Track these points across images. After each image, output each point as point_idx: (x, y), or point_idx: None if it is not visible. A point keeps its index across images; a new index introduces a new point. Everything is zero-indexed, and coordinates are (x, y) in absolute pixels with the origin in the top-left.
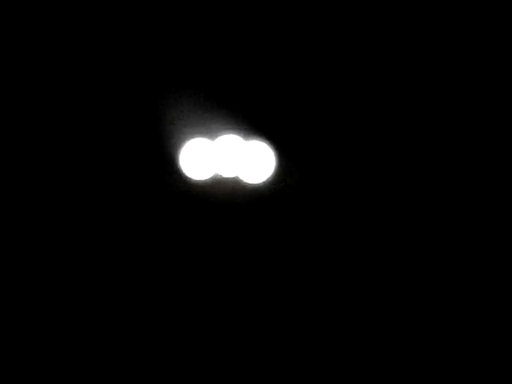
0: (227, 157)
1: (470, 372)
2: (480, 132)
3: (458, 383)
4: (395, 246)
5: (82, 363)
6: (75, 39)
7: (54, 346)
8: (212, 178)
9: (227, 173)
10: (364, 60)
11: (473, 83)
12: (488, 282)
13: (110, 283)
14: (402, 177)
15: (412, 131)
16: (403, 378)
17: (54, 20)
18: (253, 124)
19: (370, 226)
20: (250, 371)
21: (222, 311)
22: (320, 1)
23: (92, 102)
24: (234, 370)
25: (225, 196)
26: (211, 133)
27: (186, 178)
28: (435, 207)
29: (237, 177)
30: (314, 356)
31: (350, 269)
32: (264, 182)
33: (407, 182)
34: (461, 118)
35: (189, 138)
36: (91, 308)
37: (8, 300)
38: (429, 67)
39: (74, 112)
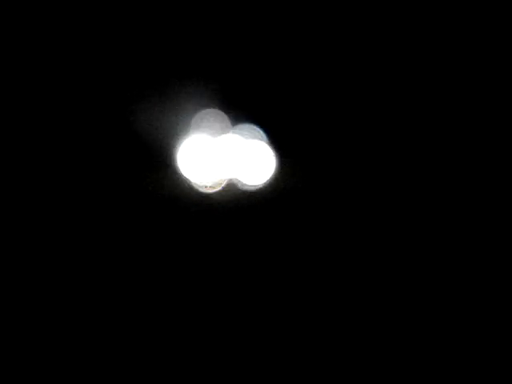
0: (227, 158)
1: (470, 372)
2: (480, 132)
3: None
4: (397, 247)
5: (81, 364)
6: (72, 37)
7: (53, 346)
8: (211, 180)
9: (227, 175)
10: (365, 59)
11: (473, 83)
12: (488, 282)
13: (104, 287)
14: (405, 178)
15: (414, 131)
16: (403, 378)
17: (50, 19)
18: (253, 125)
19: (373, 228)
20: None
21: (221, 313)
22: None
23: (88, 101)
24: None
25: (224, 198)
26: (211, 133)
27: (186, 180)
28: (437, 209)
29: (236, 179)
30: (315, 357)
31: (352, 271)
32: (264, 184)
33: (409, 182)
34: (461, 117)
35: (187, 139)
36: (86, 311)
37: (8, 300)
38: (429, 67)
39: (71, 111)
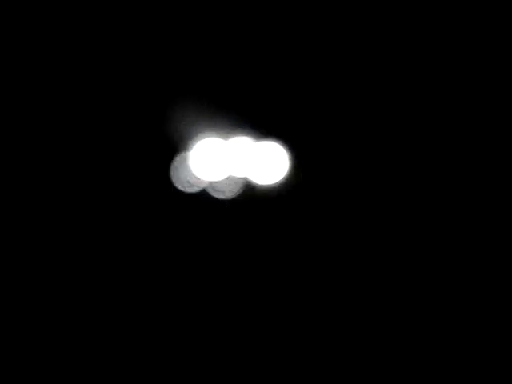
0: (239, 158)
1: (470, 372)
2: (480, 132)
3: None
4: (411, 247)
5: (82, 363)
6: (84, 41)
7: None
8: (224, 179)
9: (239, 174)
10: (377, 59)
11: (473, 83)
12: (488, 282)
13: (117, 284)
14: (419, 177)
15: (427, 129)
16: (403, 378)
17: (65, 23)
18: (266, 125)
19: (384, 227)
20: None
21: (229, 313)
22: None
23: (102, 103)
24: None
25: (237, 197)
26: (223, 133)
27: (198, 179)
28: (450, 209)
29: (249, 178)
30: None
31: (363, 269)
32: (277, 184)
33: (423, 181)
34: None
35: (200, 139)
36: (91, 310)
37: (9, 300)
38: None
39: (85, 114)
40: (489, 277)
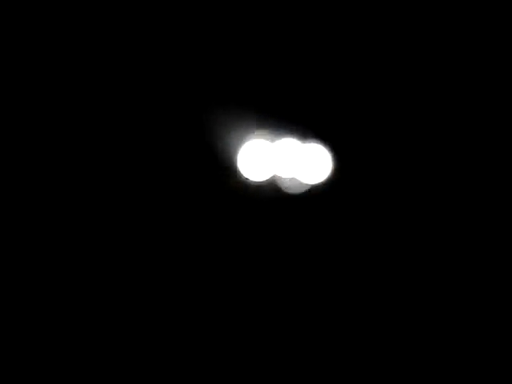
0: (285, 158)
1: (470, 372)
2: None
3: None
4: (464, 250)
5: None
6: (130, 47)
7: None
8: (270, 178)
9: (285, 173)
10: (420, 64)
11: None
12: (488, 283)
13: (165, 282)
14: (470, 178)
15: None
16: (403, 378)
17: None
18: (310, 126)
19: (431, 227)
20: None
21: (277, 311)
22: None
23: (150, 105)
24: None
25: (282, 196)
26: (269, 134)
27: (245, 179)
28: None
29: (294, 178)
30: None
31: (412, 268)
32: (321, 183)
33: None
34: None
35: (247, 140)
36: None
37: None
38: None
39: (134, 115)
40: (489, 277)
